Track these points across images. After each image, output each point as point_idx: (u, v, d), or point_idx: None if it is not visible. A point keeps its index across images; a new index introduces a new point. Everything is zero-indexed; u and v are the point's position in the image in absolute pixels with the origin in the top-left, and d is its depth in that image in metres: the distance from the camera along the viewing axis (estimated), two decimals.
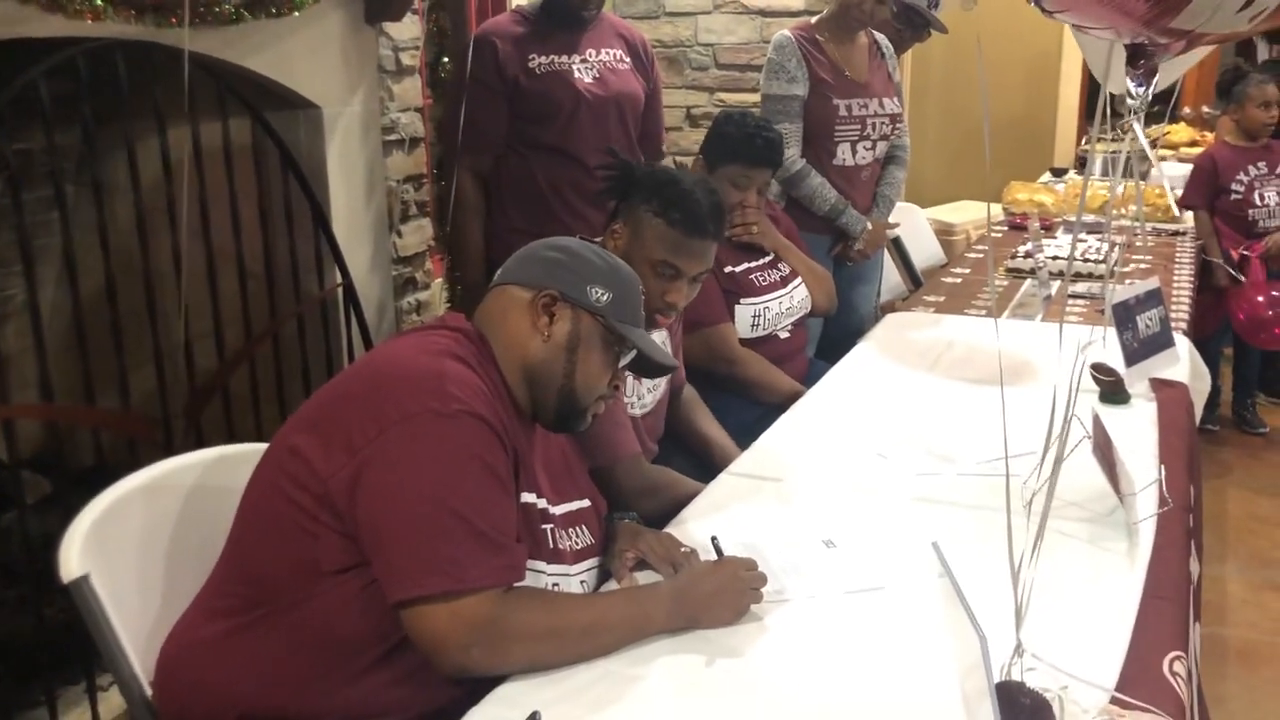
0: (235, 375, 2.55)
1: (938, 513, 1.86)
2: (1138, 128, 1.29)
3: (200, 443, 2.25)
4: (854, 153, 3.18)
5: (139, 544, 1.55)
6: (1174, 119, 6.53)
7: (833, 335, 3.18)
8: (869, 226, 3.22)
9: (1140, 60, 1.22)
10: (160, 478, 1.61)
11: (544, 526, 1.52)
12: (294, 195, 2.69)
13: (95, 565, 1.45)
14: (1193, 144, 6.14)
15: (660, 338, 2.17)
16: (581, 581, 1.57)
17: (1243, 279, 4.11)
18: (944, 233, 5.19)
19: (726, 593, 1.50)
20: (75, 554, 1.45)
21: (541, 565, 1.49)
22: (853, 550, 1.73)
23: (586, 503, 1.66)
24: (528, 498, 1.49)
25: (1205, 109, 6.75)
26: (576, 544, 1.58)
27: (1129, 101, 1.29)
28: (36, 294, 2.07)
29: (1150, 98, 1.28)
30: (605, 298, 1.52)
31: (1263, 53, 6.52)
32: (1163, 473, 1.93)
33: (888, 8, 3.17)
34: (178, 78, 2.13)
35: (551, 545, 1.52)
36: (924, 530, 1.77)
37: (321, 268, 2.79)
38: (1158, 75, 1.25)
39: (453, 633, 1.27)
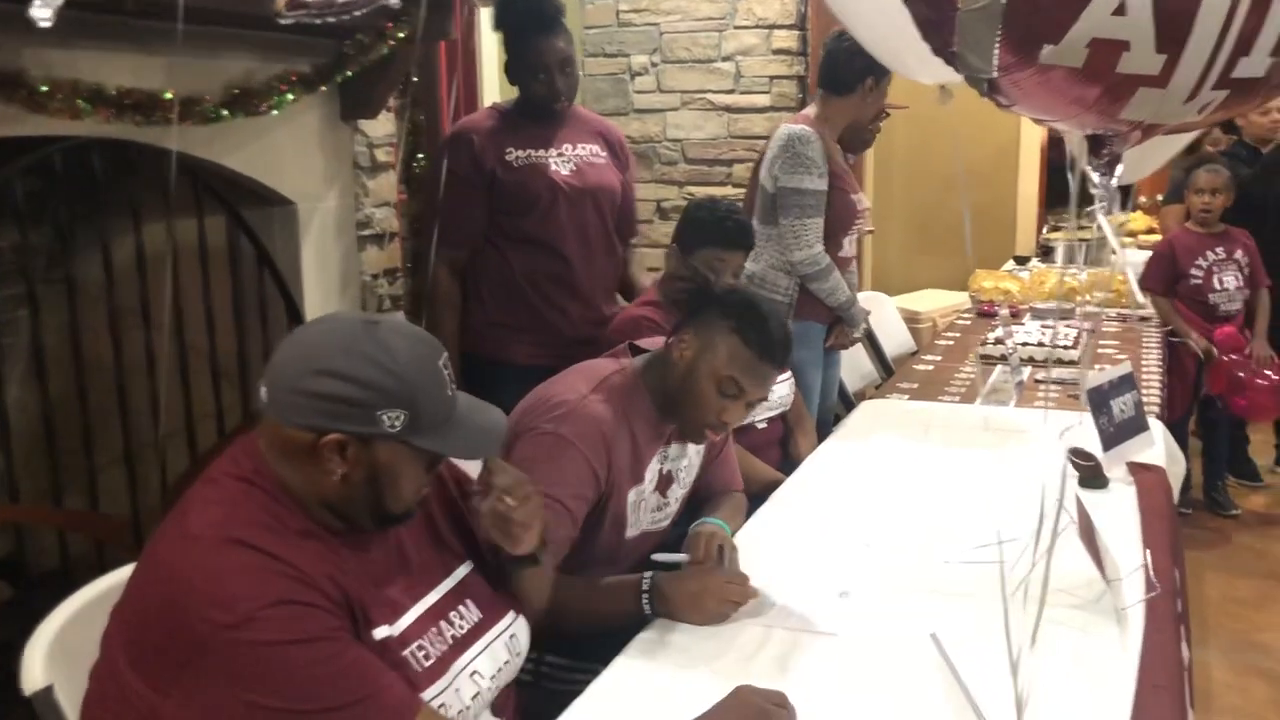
0: None
1: (929, 603, 1.84)
2: (1102, 219, 1.31)
3: None
4: (851, 245, 3.23)
5: None
6: (1132, 207, 6.69)
7: None
8: (868, 313, 3.28)
9: (1102, 150, 1.25)
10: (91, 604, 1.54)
11: (405, 652, 1.38)
12: (269, 291, 2.68)
13: (59, 676, 1.40)
14: (1150, 231, 6.28)
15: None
16: (473, 674, 1.44)
17: (1214, 354, 4.16)
18: (911, 320, 5.25)
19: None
20: (39, 664, 1.39)
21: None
22: (849, 641, 1.71)
23: (468, 567, 1.53)
24: (380, 633, 1.35)
25: (1159, 198, 6.92)
26: (460, 630, 1.46)
27: (1093, 191, 1.32)
28: (3, 393, 2.04)
29: (1114, 187, 1.31)
30: (401, 418, 1.30)
31: None
32: (1148, 557, 1.93)
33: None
34: (152, 175, 2.14)
35: (418, 667, 1.38)
36: (915, 621, 1.75)
37: None
38: (1121, 165, 1.28)
39: None
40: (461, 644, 1.45)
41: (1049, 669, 1.57)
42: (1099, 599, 1.81)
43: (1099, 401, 2.45)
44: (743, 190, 3.81)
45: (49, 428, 2.12)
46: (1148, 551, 1.95)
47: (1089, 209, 1.87)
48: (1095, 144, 1.25)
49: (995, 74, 1.17)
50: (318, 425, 1.29)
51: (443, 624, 1.44)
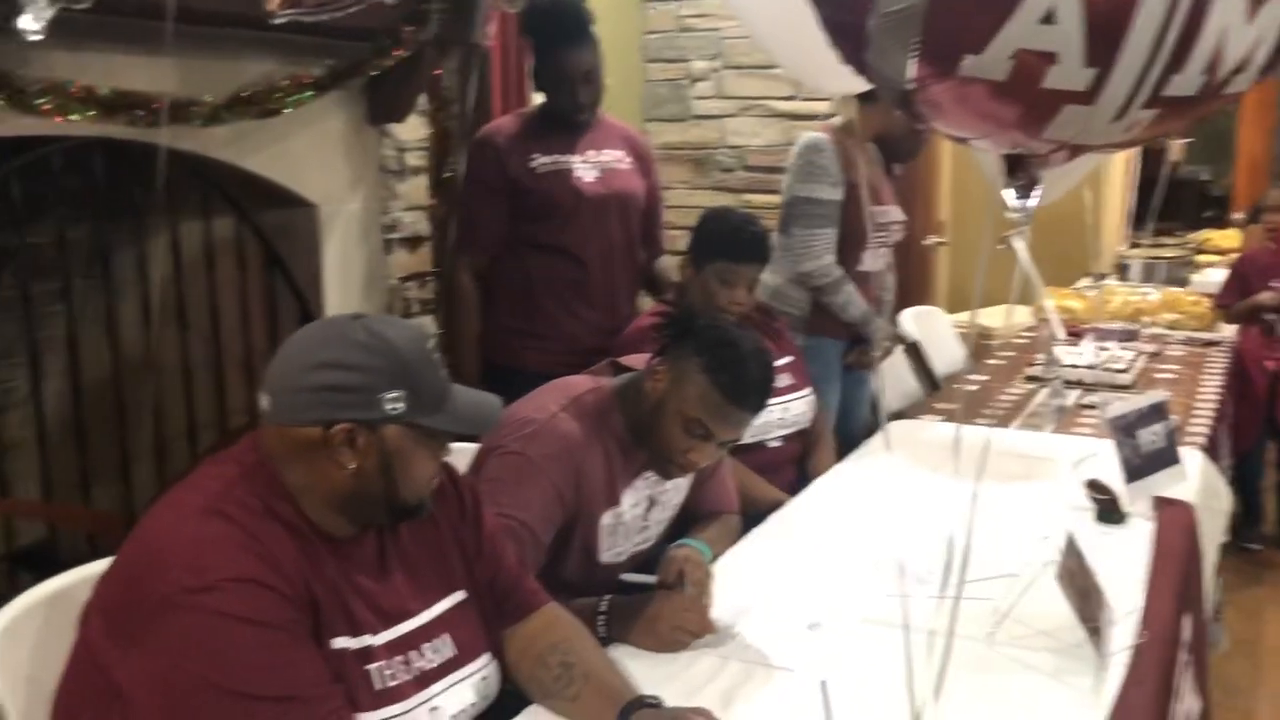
0: None
1: (897, 639, 1.75)
2: (1019, 245, 1.22)
3: None
4: (874, 259, 3.12)
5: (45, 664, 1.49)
6: (1225, 224, 6.39)
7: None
8: (895, 333, 3.15)
9: (1018, 171, 1.16)
10: (67, 589, 1.55)
11: (366, 667, 1.36)
12: (282, 293, 2.69)
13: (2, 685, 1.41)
14: (1238, 250, 5.98)
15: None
16: (433, 710, 1.41)
17: None
18: (983, 337, 5.09)
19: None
20: None
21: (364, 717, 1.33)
22: (804, 678, 1.63)
23: (460, 596, 1.50)
24: (339, 643, 1.33)
25: (1009, 212, 6.58)
26: (429, 664, 1.43)
27: (1008, 215, 1.23)
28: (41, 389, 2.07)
29: (1030, 210, 1.22)
30: (402, 399, 1.32)
31: None
32: (1144, 603, 1.80)
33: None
34: (182, 177, 2.15)
35: (376, 686, 1.36)
36: (878, 659, 1.67)
37: None
38: (1039, 187, 1.18)
39: None
40: (426, 679, 1.42)
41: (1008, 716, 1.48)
42: (1080, 645, 1.69)
43: (1123, 431, 2.32)
44: None
45: (42, 433, 2.15)
46: (1145, 597, 1.83)
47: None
48: (1013, 165, 1.16)
49: (909, 87, 1.09)
50: (324, 417, 1.31)
51: (412, 654, 1.42)
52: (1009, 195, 1.19)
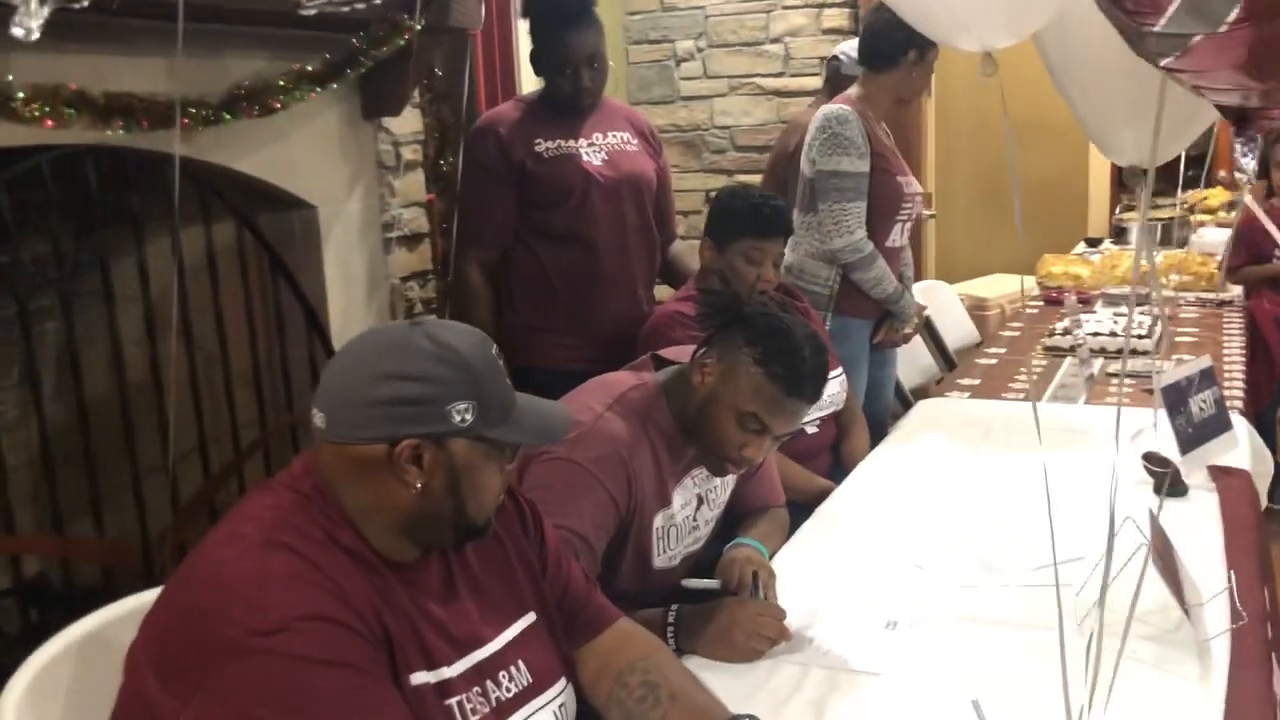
0: (222, 493, 2.40)
1: (986, 636, 1.66)
2: (1250, 202, 1.11)
3: None
4: (902, 233, 3.02)
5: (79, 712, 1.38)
6: (1209, 183, 6.34)
7: None
8: (924, 309, 3.05)
9: (1244, 128, 1.04)
10: (97, 631, 1.44)
11: (448, 702, 1.26)
12: (286, 299, 2.56)
13: None
14: (1230, 207, 5.94)
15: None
16: None
17: None
18: (977, 308, 5.01)
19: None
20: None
21: None
22: (893, 682, 1.54)
23: (531, 618, 1.40)
24: (419, 678, 1.24)
25: (1238, 172, 6.56)
26: (507, 693, 1.33)
27: (1238, 175, 1.12)
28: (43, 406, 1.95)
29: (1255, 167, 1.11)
30: (470, 410, 1.23)
31: None
32: (1233, 579, 1.72)
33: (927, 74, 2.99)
34: (154, 183, 2.03)
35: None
36: (969, 659, 1.58)
37: (316, 374, 2.66)
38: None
39: None
40: (504, 710, 1.32)
41: (1119, 714, 1.39)
42: (1177, 629, 1.61)
43: (1175, 400, 2.24)
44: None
45: (46, 455, 2.02)
46: (1232, 573, 1.75)
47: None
48: (1241, 122, 1.04)
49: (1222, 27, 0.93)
50: (390, 434, 1.21)
51: (489, 684, 1.32)
52: (1238, 154, 1.08)
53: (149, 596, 1.45)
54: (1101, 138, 1.61)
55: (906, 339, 3.12)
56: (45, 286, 2.14)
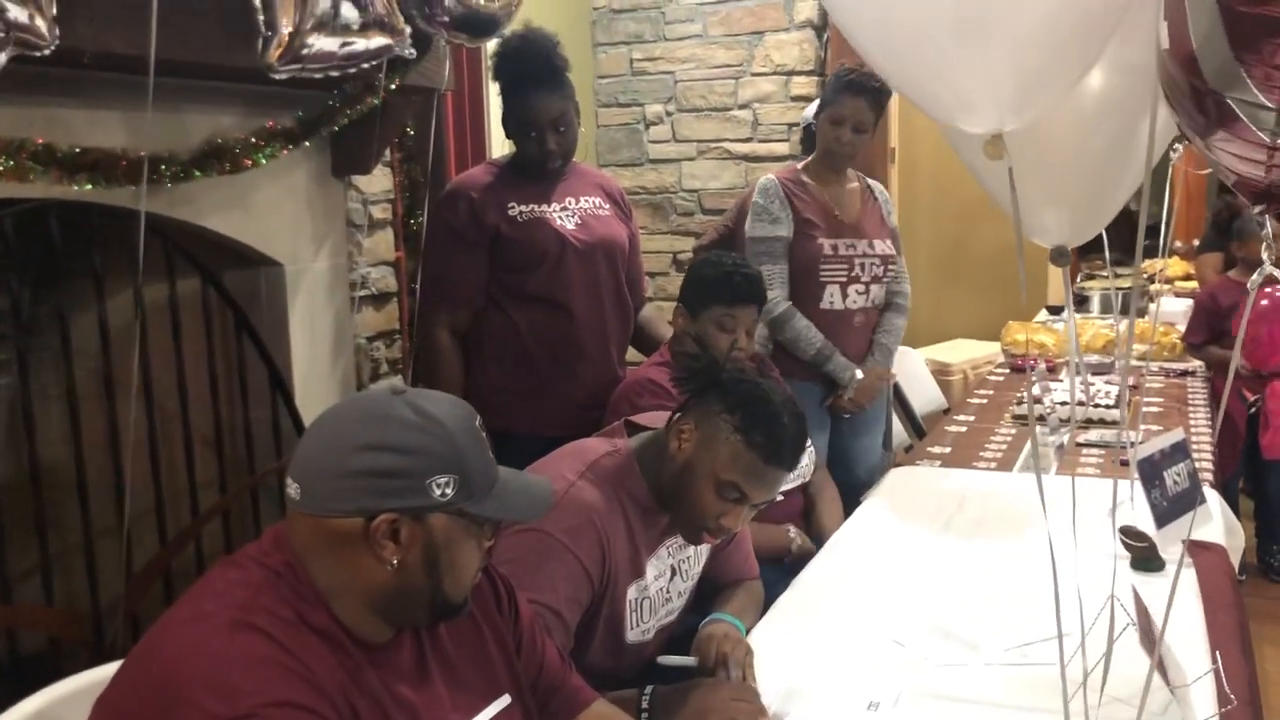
0: (179, 559, 2.32)
1: (968, 714, 1.62)
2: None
3: (137, 639, 2.00)
4: (844, 295, 3.02)
5: None
6: (1170, 253, 6.43)
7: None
8: (858, 375, 3.02)
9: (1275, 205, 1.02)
10: (47, 709, 1.37)
11: None
12: (250, 357, 2.50)
13: None
14: (1187, 278, 6.03)
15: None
16: None
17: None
18: (940, 373, 5.03)
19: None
20: None
21: None
22: None
23: (505, 701, 1.35)
24: None
25: (1195, 242, 6.66)
26: None
27: (1265, 246, 1.11)
28: None
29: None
30: (451, 484, 1.19)
31: None
32: (1219, 660, 1.70)
33: (868, 136, 3.04)
34: (117, 238, 1.98)
35: None
36: None
37: (280, 436, 2.59)
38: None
39: None
40: None
41: None
42: (1164, 710, 1.58)
43: (1150, 473, 2.23)
44: None
45: None
46: (1217, 653, 1.72)
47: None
48: (1266, 199, 1.03)
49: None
50: (366, 508, 1.17)
51: None
52: (1265, 220, 1.07)
53: (103, 673, 1.39)
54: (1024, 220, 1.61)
55: (859, 407, 3.06)
56: (0, 341, 2.08)
